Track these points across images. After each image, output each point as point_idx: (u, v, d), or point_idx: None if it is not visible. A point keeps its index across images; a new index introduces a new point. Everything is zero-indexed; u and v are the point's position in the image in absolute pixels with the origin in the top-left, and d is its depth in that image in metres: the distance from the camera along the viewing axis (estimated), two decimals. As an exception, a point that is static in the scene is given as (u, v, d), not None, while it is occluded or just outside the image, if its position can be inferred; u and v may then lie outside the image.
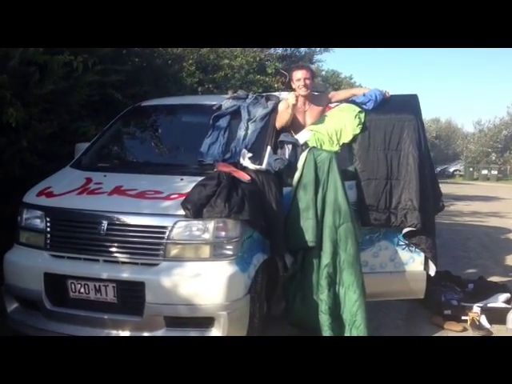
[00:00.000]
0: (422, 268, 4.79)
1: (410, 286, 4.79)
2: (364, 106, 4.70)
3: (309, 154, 4.45)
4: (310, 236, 4.29)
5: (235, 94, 5.21)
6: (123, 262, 3.80)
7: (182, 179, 4.16)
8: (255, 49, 12.31)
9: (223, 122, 4.82)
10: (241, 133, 4.68)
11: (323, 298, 4.25)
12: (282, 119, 4.67)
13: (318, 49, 14.63)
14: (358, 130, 4.62)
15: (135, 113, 5.34)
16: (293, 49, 14.20)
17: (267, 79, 12.47)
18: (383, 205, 4.60)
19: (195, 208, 3.74)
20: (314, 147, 4.53)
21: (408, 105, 4.80)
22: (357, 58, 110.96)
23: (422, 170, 4.64)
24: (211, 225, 3.77)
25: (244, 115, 4.82)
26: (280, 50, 13.84)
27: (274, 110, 4.85)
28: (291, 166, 4.50)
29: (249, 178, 4.14)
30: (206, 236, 3.77)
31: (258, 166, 4.29)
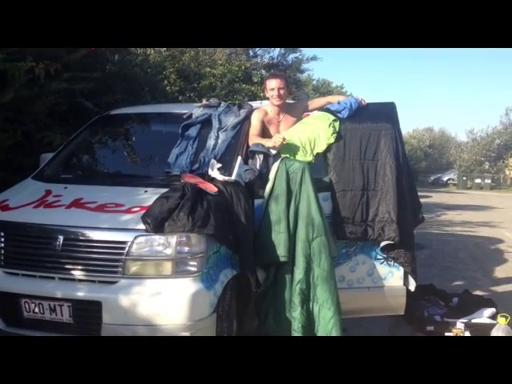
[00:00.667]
0: (401, 283, 4.57)
1: (389, 301, 4.58)
2: (339, 115, 4.50)
3: (281, 165, 4.25)
4: (281, 250, 4.08)
5: (207, 103, 5.02)
6: (80, 280, 3.58)
7: (146, 191, 3.95)
8: (240, 57, 12.18)
9: (193, 132, 4.62)
10: (210, 142, 4.49)
11: (296, 315, 4.04)
12: (253, 139, 4.45)
13: (305, 57, 14.48)
14: (332, 140, 4.41)
15: (103, 122, 5.13)
16: (280, 57, 14.07)
17: (253, 88, 12.32)
18: (359, 217, 4.39)
19: (156, 222, 3.52)
20: (286, 157, 4.33)
21: (385, 113, 4.60)
22: (347, 67, 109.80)
23: (400, 180, 4.43)
24: (173, 239, 3.55)
25: (215, 124, 4.63)
26: (266, 59, 13.71)
27: (247, 118, 4.66)
28: (262, 176, 4.30)
29: (216, 189, 3.93)
30: (168, 251, 3.55)
31: (226, 177, 4.08)
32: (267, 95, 4.67)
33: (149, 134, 4.99)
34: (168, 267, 3.55)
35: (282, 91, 4.56)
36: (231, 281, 3.91)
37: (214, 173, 4.14)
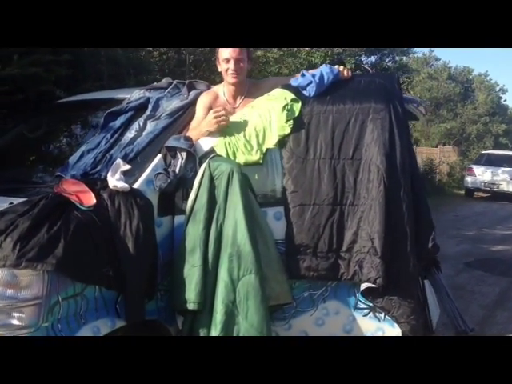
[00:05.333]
0: (398, 346, 3.02)
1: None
2: (304, 92, 3.06)
3: (206, 168, 2.94)
4: (191, 294, 2.78)
5: (155, 84, 3.82)
6: None
7: (11, 203, 2.85)
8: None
9: (119, 122, 3.45)
10: (129, 135, 3.30)
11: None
12: (196, 129, 3.21)
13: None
14: (287, 129, 2.99)
15: (43, 113, 4.15)
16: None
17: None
18: (325, 245, 2.92)
19: None
20: (216, 156, 3.00)
21: (378, 89, 3.07)
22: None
23: (395, 191, 2.90)
24: None
25: (148, 111, 3.43)
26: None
27: (194, 103, 3.41)
28: (186, 183, 3.02)
29: (93, 202, 2.74)
30: None
31: (120, 185, 2.85)
32: (219, 69, 3.36)
33: (83, 127, 3.90)
34: (-23, 319, 2.42)
35: (241, 64, 3.23)
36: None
37: (113, 178, 2.94)
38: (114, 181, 2.90)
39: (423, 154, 22.34)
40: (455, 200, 17.96)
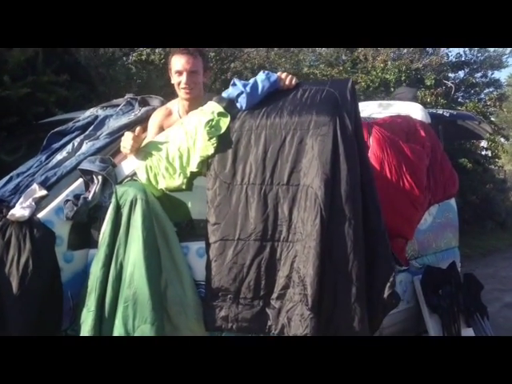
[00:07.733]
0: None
1: None
2: (237, 104, 2.55)
3: (113, 195, 2.53)
4: (83, 343, 2.35)
5: (113, 101, 3.48)
6: None
7: None
8: (412, 56, 9.91)
9: (60, 143, 3.14)
10: (59, 157, 2.97)
11: None
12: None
13: (508, 50, 11.31)
14: (210, 149, 2.48)
15: (22, 135, 3.97)
16: (473, 53, 11.18)
17: (424, 94, 9.92)
18: (250, 290, 2.37)
19: None
20: (130, 182, 2.58)
21: (323, 100, 2.47)
22: None
23: (337, 224, 2.30)
24: None
25: (88, 130, 3.09)
26: (452, 57, 10.98)
27: (145, 120, 3.02)
28: (103, 211, 2.62)
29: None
30: None
31: (20, 213, 2.51)
32: (172, 81, 2.93)
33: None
34: None
35: (195, 77, 2.79)
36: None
37: (19, 205, 2.61)
38: (17, 209, 2.57)
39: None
40: None
